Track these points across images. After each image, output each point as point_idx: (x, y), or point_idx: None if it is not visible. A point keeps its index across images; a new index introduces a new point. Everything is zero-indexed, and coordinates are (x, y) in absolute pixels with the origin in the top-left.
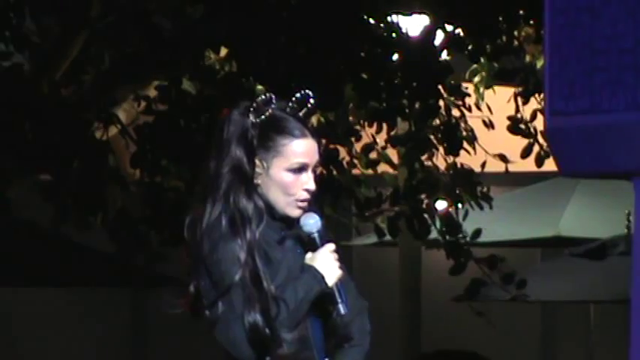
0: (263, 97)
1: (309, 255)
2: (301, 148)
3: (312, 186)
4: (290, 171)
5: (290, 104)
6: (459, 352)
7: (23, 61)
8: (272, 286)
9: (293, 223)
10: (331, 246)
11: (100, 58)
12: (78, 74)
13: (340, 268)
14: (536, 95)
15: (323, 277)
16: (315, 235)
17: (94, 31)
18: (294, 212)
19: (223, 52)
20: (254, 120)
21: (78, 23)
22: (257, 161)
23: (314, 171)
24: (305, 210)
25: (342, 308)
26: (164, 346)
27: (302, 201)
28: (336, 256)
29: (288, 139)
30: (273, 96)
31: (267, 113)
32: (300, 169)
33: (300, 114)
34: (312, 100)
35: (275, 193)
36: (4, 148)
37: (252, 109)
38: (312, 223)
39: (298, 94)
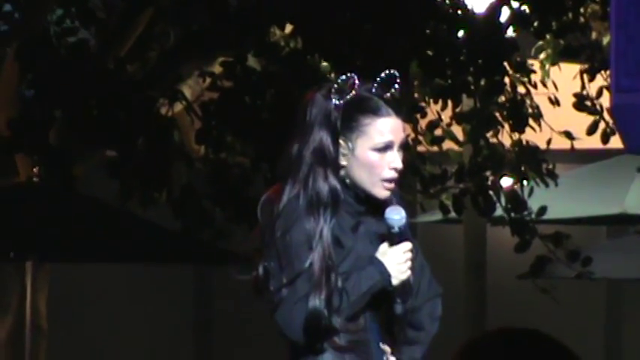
0: (345, 78)
1: (383, 247)
2: (386, 127)
3: (398, 164)
4: (375, 150)
5: (375, 85)
6: (521, 330)
7: (89, 37)
8: (339, 275)
9: (376, 206)
10: (407, 245)
11: (165, 35)
12: (143, 51)
13: (410, 268)
14: (603, 72)
15: (390, 276)
16: (396, 230)
17: (159, 8)
18: (382, 193)
19: (288, 28)
20: (337, 102)
21: None
22: (342, 142)
23: (400, 150)
24: (392, 192)
25: (398, 309)
26: (227, 323)
27: (389, 180)
28: (410, 256)
29: (372, 118)
30: (356, 77)
31: (349, 94)
32: (386, 147)
33: (387, 95)
34: (398, 81)
35: (361, 173)
36: (70, 124)
37: (334, 91)
38: (396, 218)
39: (383, 74)
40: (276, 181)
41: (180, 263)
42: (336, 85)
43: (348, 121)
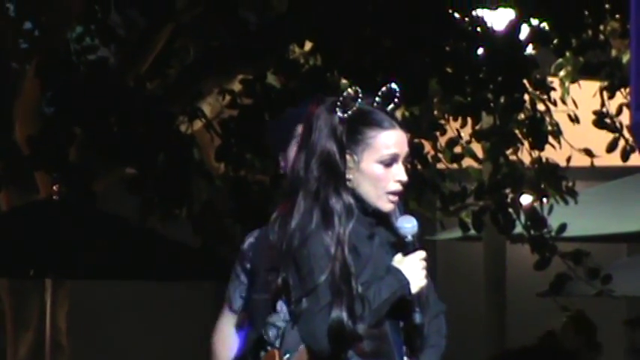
0: (349, 91)
1: (398, 257)
2: (391, 140)
3: (403, 177)
4: (381, 163)
5: (377, 98)
6: (542, 347)
7: (108, 54)
8: (358, 283)
9: (384, 217)
10: (422, 254)
11: (185, 52)
12: (163, 68)
13: (426, 277)
14: (622, 90)
15: (408, 283)
16: (410, 239)
17: (179, 25)
18: (386, 206)
19: (308, 45)
20: (342, 115)
21: (163, 17)
22: (347, 156)
23: (404, 163)
24: (396, 205)
25: (417, 317)
26: None
27: (394, 193)
28: (424, 264)
29: (377, 131)
30: (359, 90)
31: (354, 108)
32: (392, 160)
33: (388, 108)
34: (398, 94)
35: (366, 186)
36: (90, 141)
37: (339, 105)
38: (409, 227)
39: (384, 88)
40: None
41: (201, 280)
42: (341, 99)
43: (354, 134)
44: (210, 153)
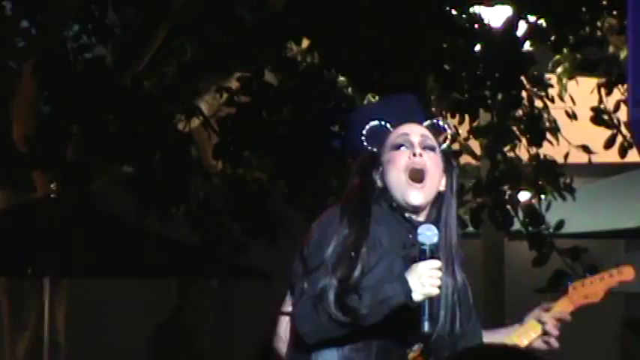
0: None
1: (413, 265)
2: (399, 130)
3: (416, 150)
4: (394, 149)
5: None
6: (499, 347)
7: (106, 53)
8: (359, 270)
9: (414, 214)
10: (435, 263)
11: (182, 50)
12: (160, 66)
13: (439, 287)
14: (620, 86)
15: (410, 291)
16: (426, 247)
17: (176, 23)
18: (412, 196)
19: (305, 43)
20: (374, 150)
21: (160, 15)
22: (378, 174)
23: (425, 149)
24: (422, 194)
25: (425, 326)
26: (247, 335)
27: (413, 174)
28: (437, 274)
29: (391, 134)
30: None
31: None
32: (401, 142)
33: (443, 146)
34: (445, 128)
35: (389, 174)
36: (87, 139)
37: (373, 150)
38: (428, 235)
39: (431, 123)
40: (293, 197)
41: (198, 278)
42: (374, 150)
43: (383, 149)
44: (207, 151)
